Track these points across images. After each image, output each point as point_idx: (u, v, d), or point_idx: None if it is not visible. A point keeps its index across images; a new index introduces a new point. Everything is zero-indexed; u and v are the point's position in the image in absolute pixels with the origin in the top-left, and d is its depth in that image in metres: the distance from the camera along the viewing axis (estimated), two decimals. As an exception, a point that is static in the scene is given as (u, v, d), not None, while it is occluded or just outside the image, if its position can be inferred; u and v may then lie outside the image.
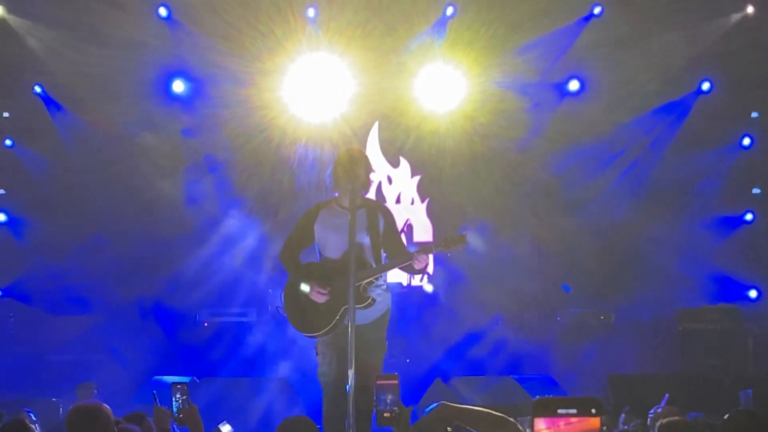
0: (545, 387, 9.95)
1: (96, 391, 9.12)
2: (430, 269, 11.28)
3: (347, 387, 6.15)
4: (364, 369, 6.25)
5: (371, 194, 7.75)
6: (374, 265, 6.72)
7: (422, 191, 12.15)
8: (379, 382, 4.93)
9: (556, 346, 11.25)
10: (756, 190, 12.06)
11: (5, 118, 11.84)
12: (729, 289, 11.66)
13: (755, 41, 11.40)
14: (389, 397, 4.89)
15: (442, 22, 11.59)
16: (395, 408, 4.89)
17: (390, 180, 12.12)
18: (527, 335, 11.22)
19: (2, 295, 11.64)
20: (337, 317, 6.61)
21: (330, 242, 6.76)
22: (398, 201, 12.09)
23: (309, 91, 11.55)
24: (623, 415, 7.43)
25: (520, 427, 4.90)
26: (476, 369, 10.79)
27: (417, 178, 12.16)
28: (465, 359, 10.91)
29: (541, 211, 11.94)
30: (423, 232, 11.92)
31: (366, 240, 6.70)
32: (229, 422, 5.81)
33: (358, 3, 11.39)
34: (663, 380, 9.41)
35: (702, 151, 11.81)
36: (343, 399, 6.27)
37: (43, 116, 11.61)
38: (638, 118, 11.77)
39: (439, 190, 12.05)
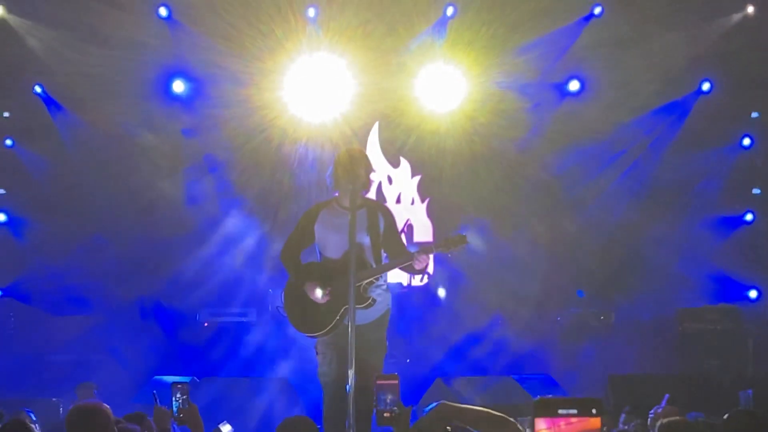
0: (545, 387, 9.96)
1: (96, 391, 9.13)
2: (431, 269, 11.28)
3: (347, 387, 6.15)
4: (364, 369, 6.25)
5: (371, 194, 7.75)
6: (374, 265, 6.72)
7: (422, 191, 12.15)
8: (379, 382, 4.94)
9: (556, 346, 11.25)
10: (756, 191, 12.05)
11: (5, 118, 11.83)
12: (729, 290, 11.66)
13: (755, 41, 11.40)
14: (389, 397, 4.90)
15: (443, 22, 11.58)
16: (395, 408, 4.89)
17: (390, 180, 12.12)
18: (527, 335, 11.21)
19: (2, 295, 11.64)
20: (338, 317, 6.61)
21: (330, 242, 6.76)
22: (398, 201, 12.08)
23: (309, 91, 11.54)
24: (623, 415, 7.44)
25: (520, 427, 4.90)
26: (476, 369, 10.79)
27: (417, 178, 12.16)
28: (465, 359, 10.91)
29: (541, 211, 11.93)
30: (423, 232, 11.92)
31: (366, 240, 6.70)
32: (229, 422, 5.82)
33: (358, 3, 11.39)
34: (663, 380, 9.43)
35: (702, 152, 11.81)
36: (343, 399, 6.27)
37: (43, 116, 11.60)
38: (638, 119, 11.76)
39: (440, 190, 12.05)
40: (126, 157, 11.59)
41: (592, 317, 11.46)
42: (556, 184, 11.92)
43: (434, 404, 5.01)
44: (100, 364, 10.65)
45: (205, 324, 11.32)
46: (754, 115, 11.96)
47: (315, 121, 11.66)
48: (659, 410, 6.49)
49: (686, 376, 10.04)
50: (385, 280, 6.86)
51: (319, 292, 6.66)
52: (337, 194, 6.87)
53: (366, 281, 6.64)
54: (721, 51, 11.43)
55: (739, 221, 11.93)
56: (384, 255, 6.80)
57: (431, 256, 6.81)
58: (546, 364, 10.99)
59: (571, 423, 3.60)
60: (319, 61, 11.53)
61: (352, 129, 11.63)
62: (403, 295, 10.85)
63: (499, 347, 11.05)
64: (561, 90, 11.85)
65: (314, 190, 11.24)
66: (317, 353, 6.84)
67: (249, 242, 11.61)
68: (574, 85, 11.76)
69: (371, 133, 12.06)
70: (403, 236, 7.64)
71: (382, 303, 6.77)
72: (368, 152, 10.71)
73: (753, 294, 11.68)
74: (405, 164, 12.15)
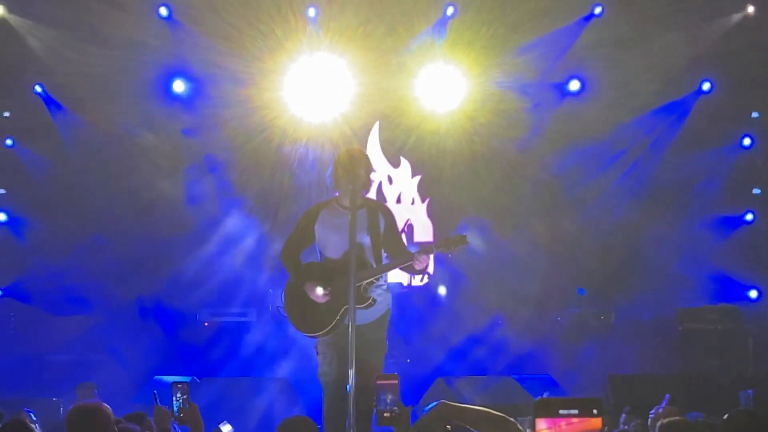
0: (545, 387, 9.95)
1: (96, 391, 9.13)
2: (431, 269, 11.28)
3: (348, 387, 6.15)
4: (364, 369, 6.25)
5: (372, 194, 7.75)
6: (375, 265, 6.73)
7: (423, 191, 12.15)
8: (379, 381, 4.93)
9: (556, 346, 11.25)
10: (756, 191, 12.05)
11: (6, 117, 11.83)
12: (729, 290, 11.66)
13: (756, 41, 11.40)
14: (389, 397, 4.89)
15: (443, 22, 11.59)
16: (395, 408, 4.89)
17: (390, 180, 12.12)
18: (527, 335, 11.21)
19: (2, 295, 11.64)
20: (338, 317, 6.61)
21: (330, 242, 6.76)
22: (399, 201, 12.08)
23: (309, 91, 11.54)
24: (624, 415, 7.44)
25: (520, 427, 4.90)
26: (476, 369, 10.79)
27: (417, 178, 12.16)
28: (465, 359, 10.92)
29: (541, 211, 11.93)
30: (423, 232, 11.92)
31: (366, 240, 6.70)
32: (229, 422, 5.82)
33: (358, 3, 11.39)
34: (663, 380, 9.42)
35: (702, 151, 11.81)
36: (343, 399, 6.27)
37: (43, 116, 11.60)
38: (639, 118, 11.76)
39: (440, 190, 12.05)
40: (126, 157, 11.59)
41: (592, 317, 11.46)
42: (557, 184, 11.92)
43: (434, 404, 5.01)
44: (100, 364, 10.65)
45: (206, 324, 11.32)
46: (755, 115, 11.96)
47: (315, 121, 11.67)
48: (660, 410, 6.49)
49: (686, 376, 10.03)
50: (386, 280, 6.86)
51: (320, 290, 6.66)
52: (337, 194, 6.87)
53: (366, 281, 6.64)
54: (722, 51, 11.43)
55: (739, 221, 11.93)
56: (384, 255, 6.81)
57: (431, 256, 6.81)
58: (546, 364, 10.99)
59: (571, 423, 3.59)
60: (319, 61, 11.53)
61: (353, 129, 11.63)
62: (403, 295, 10.85)
63: (499, 347, 11.06)
64: (561, 90, 11.85)
65: (314, 190, 11.24)
66: (317, 353, 6.84)
67: (249, 242, 11.61)
68: (574, 85, 11.76)
69: (371, 133, 12.06)
70: (403, 236, 7.62)
71: (383, 303, 6.77)
72: (368, 152, 10.69)
73: (753, 294, 11.68)
74: (405, 164, 12.15)
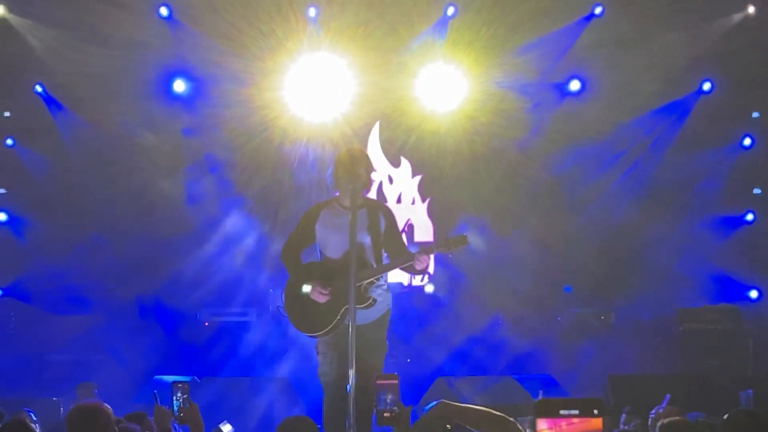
0: (546, 387, 9.94)
1: (96, 391, 9.13)
2: (431, 269, 11.28)
3: (348, 387, 6.14)
4: (364, 369, 6.24)
5: (372, 194, 7.74)
6: (375, 265, 6.72)
7: (423, 191, 12.14)
8: (379, 381, 4.94)
9: (556, 346, 11.24)
10: (757, 190, 12.05)
11: (6, 117, 11.83)
12: (730, 290, 11.66)
13: (756, 41, 11.40)
14: (389, 397, 4.90)
15: (443, 22, 11.59)
16: (395, 408, 4.89)
17: (391, 180, 12.12)
18: (527, 335, 11.21)
19: (3, 295, 11.64)
20: (338, 317, 6.61)
21: (331, 242, 6.76)
22: (399, 201, 12.08)
23: (310, 90, 11.55)
24: (624, 415, 7.43)
25: (520, 427, 4.90)
26: (476, 369, 10.78)
27: (418, 177, 12.16)
28: (465, 359, 10.91)
29: (541, 211, 11.93)
30: (424, 232, 11.92)
31: (367, 240, 6.70)
32: (229, 422, 5.82)
33: (359, 3, 11.39)
34: (663, 380, 9.41)
35: (703, 151, 11.81)
36: (343, 399, 6.26)
37: (43, 116, 11.60)
38: (639, 118, 11.77)
39: (440, 190, 12.05)
40: (126, 156, 11.58)
41: (592, 317, 11.46)
42: (557, 184, 11.92)
43: (434, 403, 5.01)
44: (100, 364, 10.65)
45: (206, 324, 11.32)
46: (755, 115, 11.96)
47: (315, 120, 11.67)
48: (660, 410, 6.48)
49: (686, 376, 10.02)
50: (386, 280, 6.86)
51: (306, 288, 6.66)
52: (337, 194, 6.87)
53: (366, 281, 6.64)
54: (722, 51, 11.43)
55: (739, 221, 11.93)
56: (385, 255, 6.80)
57: (432, 256, 6.81)
58: (546, 364, 10.98)
59: (572, 423, 3.59)
60: (319, 60, 11.53)
61: (353, 129, 11.63)
62: (403, 295, 10.85)
63: (499, 347, 11.05)
64: (561, 90, 11.85)
65: (315, 190, 11.24)
66: (318, 353, 6.84)
67: (249, 242, 11.61)
68: (574, 85, 11.76)
69: (372, 132, 12.05)
70: (403, 236, 7.62)
71: (383, 303, 6.76)
72: (369, 152, 10.69)
73: (753, 294, 11.69)
74: (405, 164, 12.15)
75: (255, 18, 11.28)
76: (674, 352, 11.00)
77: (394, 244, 6.82)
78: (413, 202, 12.12)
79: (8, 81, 11.61)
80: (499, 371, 10.67)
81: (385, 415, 4.88)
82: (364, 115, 11.82)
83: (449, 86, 11.63)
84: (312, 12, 11.51)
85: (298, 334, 7.11)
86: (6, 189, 11.94)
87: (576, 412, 3.61)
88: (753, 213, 11.94)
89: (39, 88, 11.52)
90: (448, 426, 4.79)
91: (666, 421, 5.32)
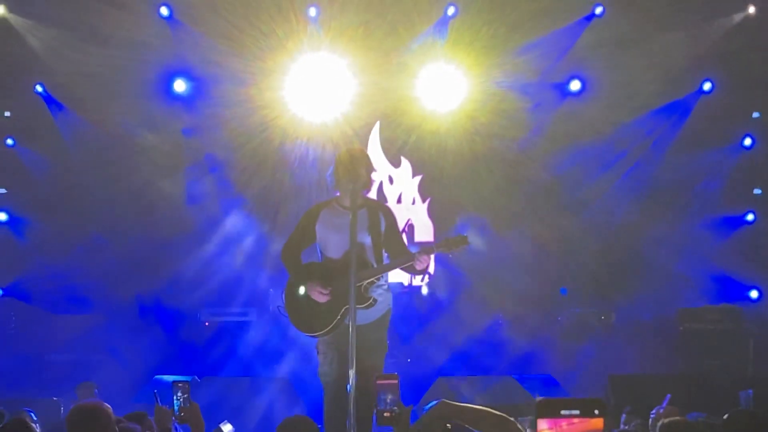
0: (546, 387, 9.95)
1: (96, 391, 9.13)
2: (431, 269, 11.27)
3: (348, 387, 6.14)
4: (365, 369, 6.24)
5: (372, 194, 7.75)
6: (375, 265, 6.72)
7: (423, 191, 12.14)
8: (379, 381, 4.93)
9: (557, 346, 11.25)
10: (757, 191, 12.05)
11: (6, 117, 11.83)
12: (730, 290, 11.66)
13: (756, 41, 11.40)
14: (389, 397, 4.89)
15: (444, 22, 11.59)
16: (395, 408, 4.88)
17: (391, 180, 12.11)
18: (527, 335, 11.21)
19: (3, 295, 11.64)
20: (338, 317, 6.61)
21: (331, 242, 6.76)
22: (399, 201, 12.08)
23: (310, 90, 11.55)
24: (624, 415, 7.43)
25: (520, 427, 4.89)
26: (476, 369, 10.78)
27: (418, 177, 12.16)
28: (465, 359, 10.91)
29: (542, 211, 11.93)
30: (424, 232, 11.92)
31: (367, 240, 6.70)
32: (229, 422, 5.82)
33: (359, 3, 11.39)
34: (663, 380, 9.41)
35: (703, 151, 11.81)
36: (344, 399, 6.26)
37: (44, 116, 11.60)
38: (639, 118, 11.77)
39: (440, 190, 12.05)
40: (126, 156, 11.58)
41: (592, 317, 11.46)
42: (557, 184, 11.92)
43: (434, 402, 5.00)
44: (100, 364, 10.65)
45: (206, 323, 11.32)
46: (755, 115, 11.96)
47: (316, 120, 11.67)
48: (660, 410, 6.48)
49: (687, 376, 10.02)
50: (386, 280, 6.85)
51: (302, 289, 6.67)
52: (338, 194, 6.86)
53: (367, 281, 6.63)
54: (723, 51, 11.43)
55: (740, 221, 11.93)
56: (385, 255, 6.80)
57: (432, 257, 6.80)
58: (546, 364, 10.99)
59: (573, 423, 3.59)
60: (320, 60, 11.53)
61: (353, 129, 11.63)
62: (404, 295, 10.84)
63: (500, 347, 11.06)
64: (562, 90, 11.85)
65: (315, 189, 11.24)
66: (318, 353, 6.84)
67: (249, 242, 11.61)
68: (575, 85, 11.76)
69: (372, 132, 12.05)
70: (404, 236, 7.62)
71: (383, 303, 6.76)
72: (369, 152, 10.69)
73: (754, 294, 11.69)
74: (406, 164, 12.15)
75: (255, 18, 11.28)
76: (674, 352, 10.99)
77: (395, 244, 6.82)
78: (413, 202, 12.12)
79: (8, 81, 11.61)
80: (499, 371, 10.67)
81: (385, 415, 4.88)
82: (365, 115, 11.82)
83: (449, 86, 11.64)
84: (312, 12, 11.51)
85: (298, 334, 7.10)
86: (6, 189, 11.94)
87: (577, 412, 3.60)
88: (753, 213, 11.94)
89: (39, 88, 11.52)
90: (448, 426, 4.78)
91: (666, 421, 5.32)
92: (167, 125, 11.81)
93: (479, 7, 11.48)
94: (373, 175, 6.85)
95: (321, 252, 6.87)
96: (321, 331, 6.70)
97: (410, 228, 11.48)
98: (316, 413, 6.99)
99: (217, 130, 11.76)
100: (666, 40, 11.42)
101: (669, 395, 6.81)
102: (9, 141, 11.77)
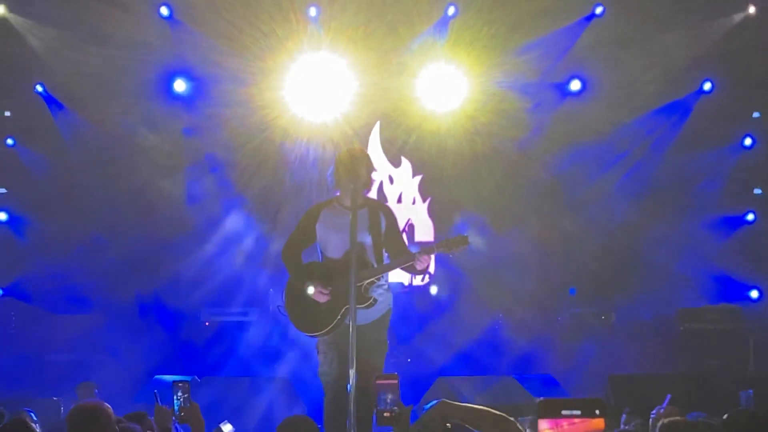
0: (546, 387, 9.95)
1: (96, 391, 9.13)
2: (432, 269, 11.27)
3: (348, 387, 6.14)
4: (365, 369, 6.24)
5: (373, 194, 7.75)
6: (376, 265, 6.72)
7: (423, 191, 12.14)
8: (379, 381, 4.93)
9: (557, 346, 11.25)
10: (757, 191, 12.06)
11: (6, 117, 11.83)
12: (730, 290, 11.66)
13: (757, 41, 11.40)
14: (389, 397, 4.89)
15: (444, 21, 11.59)
16: (395, 408, 4.88)
17: (391, 180, 12.11)
18: (527, 335, 11.21)
19: (3, 295, 11.64)
20: (339, 317, 6.61)
21: (331, 242, 6.76)
22: (399, 200, 12.08)
23: (310, 90, 11.54)
24: (624, 415, 7.43)
25: (520, 427, 4.89)
26: (477, 369, 10.79)
27: (418, 177, 12.16)
28: (466, 359, 10.91)
29: (542, 211, 11.94)
30: (424, 232, 11.92)
31: (368, 240, 6.70)
32: (229, 421, 5.81)
33: (359, 3, 11.39)
34: (664, 380, 9.40)
35: (703, 151, 11.81)
36: (344, 399, 6.26)
37: (44, 115, 11.60)
38: (640, 118, 11.77)
39: (441, 190, 12.05)
40: (126, 156, 11.58)
41: (592, 317, 11.46)
42: (557, 184, 11.92)
43: (434, 402, 5.00)
44: (100, 364, 10.64)
45: (206, 323, 11.32)
46: (756, 115, 11.97)
47: (316, 120, 11.66)
48: (661, 410, 6.48)
49: (687, 376, 10.02)
50: (387, 280, 6.85)
51: (311, 290, 6.66)
52: (338, 194, 6.87)
53: (367, 281, 6.63)
54: (723, 51, 11.43)
55: (740, 221, 11.93)
56: (385, 255, 6.80)
57: (432, 257, 6.80)
58: (546, 364, 10.99)
59: (574, 423, 3.59)
60: (320, 60, 11.53)
61: (353, 128, 11.63)
62: (404, 295, 10.84)
63: (500, 347, 11.06)
64: (562, 90, 11.85)
65: (315, 189, 11.24)
66: (318, 353, 6.84)
67: (249, 242, 11.61)
68: (575, 85, 11.76)
69: (372, 132, 12.05)
70: (404, 236, 7.62)
71: (384, 303, 6.76)
72: (369, 152, 10.68)
73: (754, 294, 11.69)
74: (406, 164, 12.14)
75: (255, 18, 11.27)
76: (674, 352, 11.00)
77: (395, 244, 6.82)
78: (414, 202, 12.12)
79: (8, 81, 11.61)
80: (499, 371, 10.67)
81: (385, 415, 4.88)
82: (365, 115, 11.82)
83: (450, 86, 11.63)
84: (312, 12, 11.51)
85: (298, 334, 7.10)
86: (6, 189, 11.94)
87: (578, 412, 3.61)
88: (753, 213, 11.95)
89: (39, 88, 11.51)
90: (448, 426, 4.78)
91: (666, 421, 5.31)
92: (167, 125, 11.81)
93: (479, 7, 11.48)
94: (374, 175, 6.85)
95: (321, 252, 6.87)
96: (321, 330, 6.69)
97: (410, 228, 11.49)
98: (316, 413, 6.98)
99: (217, 130, 11.76)
100: (666, 40, 11.42)
101: (669, 395, 6.80)
102: (9, 141, 11.77)
